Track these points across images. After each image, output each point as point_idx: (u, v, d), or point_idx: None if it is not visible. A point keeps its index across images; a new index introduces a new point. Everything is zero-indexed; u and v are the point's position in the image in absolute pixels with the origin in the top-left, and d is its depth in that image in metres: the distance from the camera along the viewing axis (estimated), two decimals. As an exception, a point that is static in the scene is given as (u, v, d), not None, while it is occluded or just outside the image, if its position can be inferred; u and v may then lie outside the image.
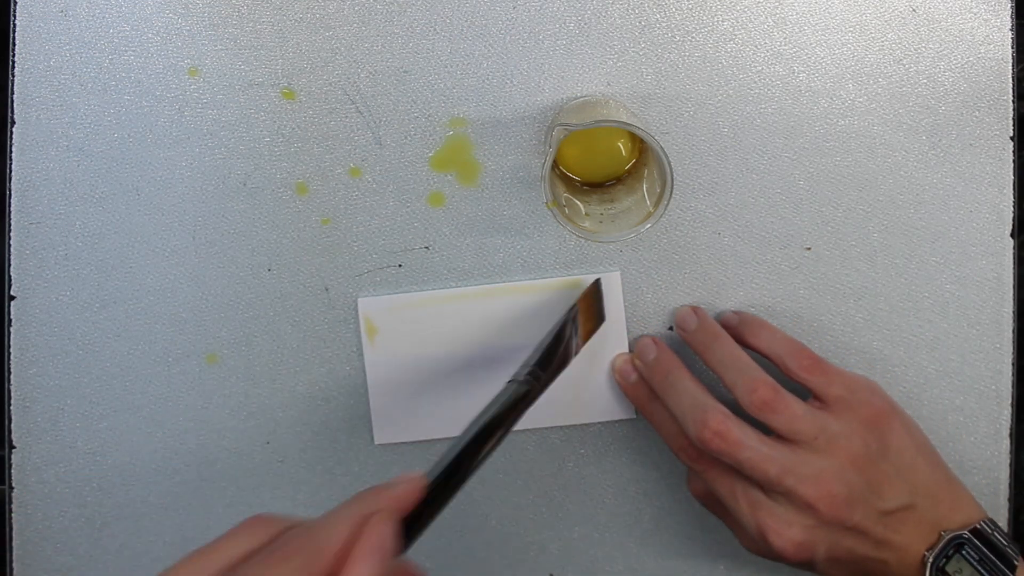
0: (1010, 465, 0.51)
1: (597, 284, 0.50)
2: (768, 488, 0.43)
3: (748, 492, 0.44)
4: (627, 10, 0.49)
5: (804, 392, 0.46)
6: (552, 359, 0.46)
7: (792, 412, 0.44)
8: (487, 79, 0.50)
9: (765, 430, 0.44)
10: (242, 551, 0.35)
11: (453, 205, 0.51)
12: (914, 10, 0.50)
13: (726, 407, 0.44)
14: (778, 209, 0.51)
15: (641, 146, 0.48)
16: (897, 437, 0.45)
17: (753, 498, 0.44)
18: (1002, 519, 0.51)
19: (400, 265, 0.51)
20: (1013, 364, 0.51)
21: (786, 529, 0.43)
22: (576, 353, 0.47)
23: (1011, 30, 0.50)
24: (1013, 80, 0.50)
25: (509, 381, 0.44)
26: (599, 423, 0.52)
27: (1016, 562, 0.43)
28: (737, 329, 0.49)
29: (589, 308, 0.49)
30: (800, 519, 0.43)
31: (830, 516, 0.42)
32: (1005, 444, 0.51)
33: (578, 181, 0.49)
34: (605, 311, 0.50)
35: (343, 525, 0.34)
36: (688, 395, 0.46)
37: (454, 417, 0.51)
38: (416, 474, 0.38)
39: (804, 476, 0.42)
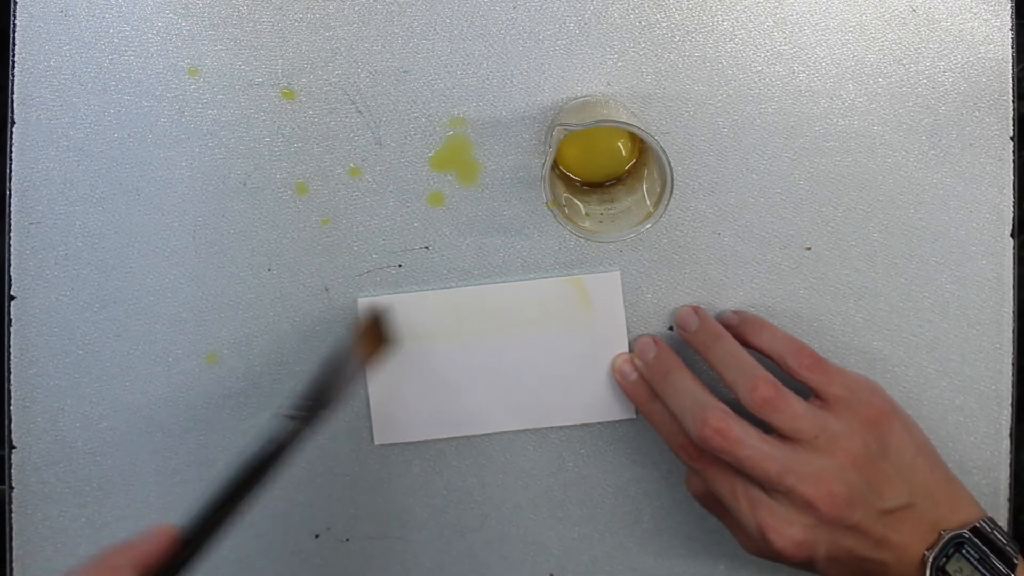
0: (1010, 465, 0.51)
1: (376, 312, 0.50)
2: (768, 487, 0.43)
3: (748, 491, 0.44)
4: (627, 10, 0.49)
5: (805, 393, 0.46)
6: (322, 390, 0.45)
7: (793, 410, 0.44)
8: (487, 79, 0.50)
9: (766, 430, 0.44)
10: None
11: (453, 205, 0.51)
12: (914, 10, 0.50)
13: (727, 406, 0.44)
14: (778, 209, 0.51)
15: (641, 146, 0.48)
16: (897, 437, 0.45)
17: (753, 497, 0.44)
18: (1002, 519, 0.51)
19: (400, 265, 0.51)
20: (1013, 364, 0.51)
21: (786, 528, 0.42)
22: (354, 379, 0.47)
23: (1011, 30, 0.50)
24: (1013, 80, 0.50)
25: (274, 415, 0.43)
26: (599, 423, 0.52)
27: (1016, 560, 0.43)
28: (738, 329, 0.49)
29: (369, 332, 0.49)
30: (800, 518, 0.43)
31: (830, 515, 0.42)
32: (1005, 444, 0.51)
33: (578, 181, 0.49)
34: (397, 335, 0.50)
35: None
36: (688, 394, 0.46)
37: (454, 417, 0.51)
38: (163, 528, 0.38)
39: (805, 475, 0.42)
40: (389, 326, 0.50)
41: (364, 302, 0.50)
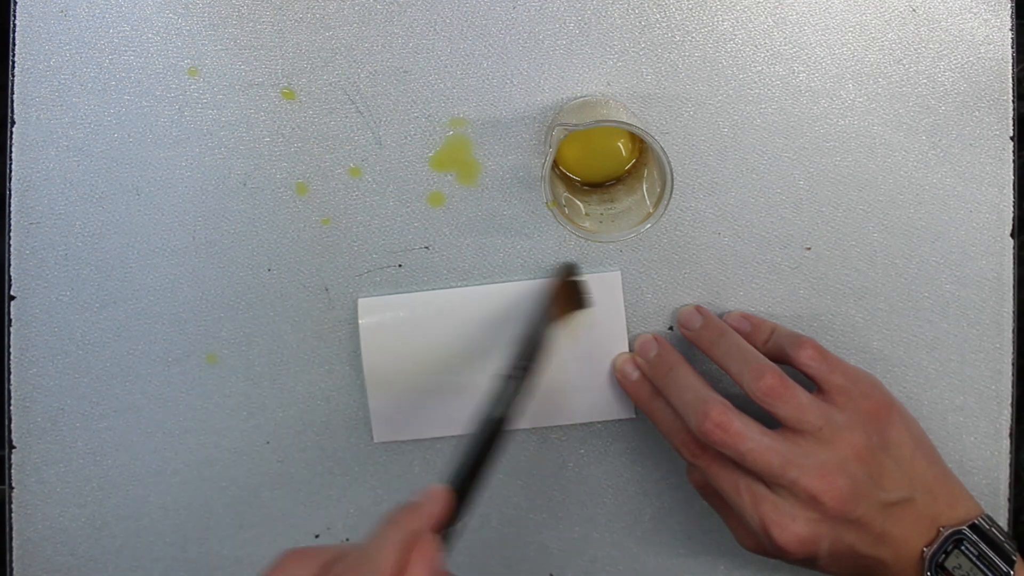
0: (1010, 465, 0.51)
1: (570, 270, 0.50)
2: (771, 481, 0.43)
3: (751, 486, 0.44)
4: (627, 10, 0.49)
5: (808, 387, 0.46)
6: (532, 348, 0.46)
7: (798, 401, 0.44)
8: (487, 79, 0.50)
9: (770, 426, 0.44)
10: None
11: (453, 205, 0.51)
12: (914, 10, 0.50)
13: (729, 402, 0.44)
14: (778, 209, 0.51)
15: (641, 146, 0.48)
16: (896, 431, 0.45)
17: (756, 492, 0.43)
18: (1002, 519, 0.51)
19: (400, 265, 0.51)
20: (1013, 364, 0.51)
21: (790, 523, 0.42)
22: (550, 330, 0.47)
23: (1011, 30, 0.50)
24: (1013, 80, 0.50)
25: (495, 377, 0.45)
26: (599, 423, 0.52)
27: (1015, 558, 0.43)
28: (750, 335, 0.49)
29: (563, 292, 0.49)
30: (804, 513, 0.42)
31: (834, 509, 0.42)
32: (1005, 444, 0.51)
33: (578, 181, 0.49)
34: (594, 301, 0.50)
35: (392, 550, 0.36)
36: (690, 389, 0.46)
37: (453, 416, 0.51)
38: (440, 488, 0.39)
39: (808, 467, 0.42)
40: (583, 288, 0.50)
41: (557, 268, 0.50)
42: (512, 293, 0.51)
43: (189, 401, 0.52)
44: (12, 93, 0.50)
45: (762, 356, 0.46)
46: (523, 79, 0.50)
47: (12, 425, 0.51)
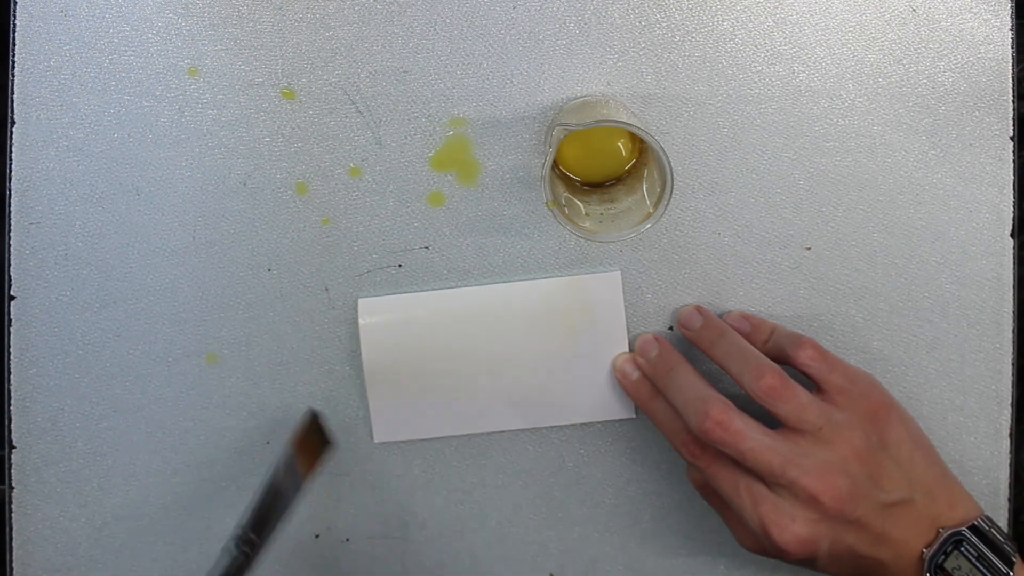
0: (1010, 465, 0.51)
1: (311, 414, 0.49)
2: (771, 480, 0.43)
3: (751, 486, 0.44)
4: (627, 10, 0.49)
5: (807, 387, 0.46)
6: (267, 518, 0.44)
7: (799, 400, 0.44)
8: (487, 79, 0.50)
9: (770, 425, 0.44)
10: None
11: (453, 205, 0.51)
12: (914, 10, 0.50)
13: (730, 401, 0.44)
14: (778, 209, 0.51)
15: (641, 146, 0.48)
16: (895, 431, 0.45)
17: (756, 492, 0.44)
18: (1002, 519, 0.51)
19: (400, 265, 0.51)
20: (1013, 364, 0.51)
21: (789, 523, 0.42)
22: (301, 488, 0.45)
23: (1011, 30, 0.50)
24: (1013, 80, 0.50)
25: (223, 548, 0.42)
26: (599, 423, 0.52)
27: (1014, 559, 0.43)
28: (749, 335, 0.49)
29: (306, 443, 0.48)
30: (804, 513, 0.42)
31: (834, 509, 0.42)
32: (1005, 444, 0.51)
33: (578, 181, 0.49)
34: (332, 437, 0.50)
35: None
36: (691, 388, 0.46)
37: (453, 416, 0.51)
38: None
39: (808, 467, 0.42)
40: (325, 429, 0.50)
41: (303, 412, 0.50)
42: (512, 293, 0.51)
43: (189, 401, 0.52)
44: (12, 93, 0.50)
45: (762, 356, 0.46)
46: (523, 79, 0.50)
47: (12, 425, 0.51)
